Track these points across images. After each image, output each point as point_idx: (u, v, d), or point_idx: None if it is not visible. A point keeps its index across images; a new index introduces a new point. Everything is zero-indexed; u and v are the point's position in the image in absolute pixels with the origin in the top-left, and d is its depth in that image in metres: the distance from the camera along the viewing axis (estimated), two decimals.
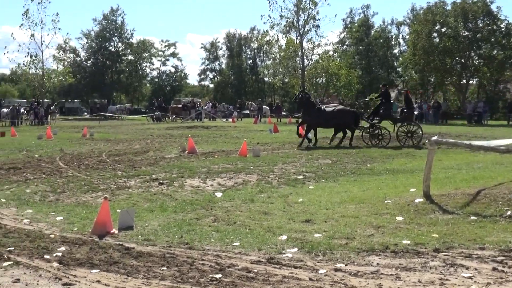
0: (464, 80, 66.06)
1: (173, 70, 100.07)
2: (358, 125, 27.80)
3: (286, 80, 69.70)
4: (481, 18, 63.39)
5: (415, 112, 58.63)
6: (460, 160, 18.52)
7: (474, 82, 66.62)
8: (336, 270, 7.81)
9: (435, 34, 65.07)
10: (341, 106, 30.42)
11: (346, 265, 8.02)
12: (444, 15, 64.61)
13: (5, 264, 8.53)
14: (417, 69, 66.87)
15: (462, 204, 11.62)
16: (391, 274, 7.60)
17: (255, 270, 7.88)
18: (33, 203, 13.48)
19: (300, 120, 30.72)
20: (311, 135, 27.62)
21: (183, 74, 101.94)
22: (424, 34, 64.63)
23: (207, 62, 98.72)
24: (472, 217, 10.65)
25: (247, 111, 69.37)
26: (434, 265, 7.96)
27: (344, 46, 77.23)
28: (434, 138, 14.22)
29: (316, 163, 19.92)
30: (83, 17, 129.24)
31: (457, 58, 64.67)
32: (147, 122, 61.26)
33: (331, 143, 27.41)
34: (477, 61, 64.59)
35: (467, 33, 63.70)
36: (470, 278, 7.38)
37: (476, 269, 7.71)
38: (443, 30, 64.79)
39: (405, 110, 29.37)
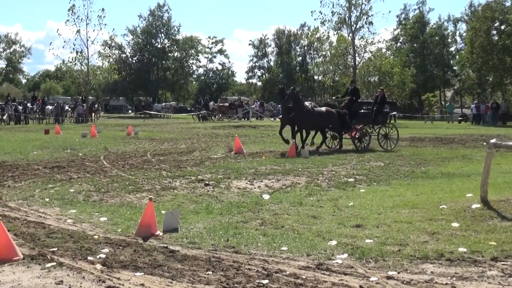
0: None
1: (220, 67, 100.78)
2: (346, 128, 26.77)
3: (336, 78, 69.46)
4: None
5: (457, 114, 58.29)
6: None
7: None
8: (388, 278, 7.75)
9: (494, 32, 64.23)
10: (329, 108, 28.12)
11: (398, 273, 7.94)
12: (503, 11, 63.85)
13: (48, 265, 8.64)
14: (475, 68, 66.12)
15: None
16: (446, 284, 7.50)
17: (304, 277, 7.85)
18: (77, 203, 13.66)
19: (280, 120, 28.86)
20: (286, 136, 26.13)
21: (230, 72, 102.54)
22: (482, 32, 63.86)
23: (255, 59, 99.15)
24: None
25: None
26: (492, 274, 7.84)
27: (398, 44, 76.62)
28: (493, 140, 13.97)
29: (368, 166, 19.79)
30: (129, 13, 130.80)
31: None
32: (193, 121, 61.58)
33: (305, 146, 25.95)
34: None
35: None
36: None
37: None
38: (502, 27, 63.98)
39: (385, 111, 28.43)
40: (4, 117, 56.40)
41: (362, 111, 27.50)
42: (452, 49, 77.62)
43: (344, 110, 26.74)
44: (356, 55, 58.17)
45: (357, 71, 58.03)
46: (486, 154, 13.42)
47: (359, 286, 7.46)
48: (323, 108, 27.11)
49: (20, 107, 59.77)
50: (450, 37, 78.72)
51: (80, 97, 69.69)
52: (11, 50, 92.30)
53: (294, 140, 24.81)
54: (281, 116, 27.54)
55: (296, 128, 25.94)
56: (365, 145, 26.48)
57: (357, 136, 26.30)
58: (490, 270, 8.03)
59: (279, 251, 9.15)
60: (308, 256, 8.86)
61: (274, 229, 10.58)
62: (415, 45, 76.41)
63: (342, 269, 8.17)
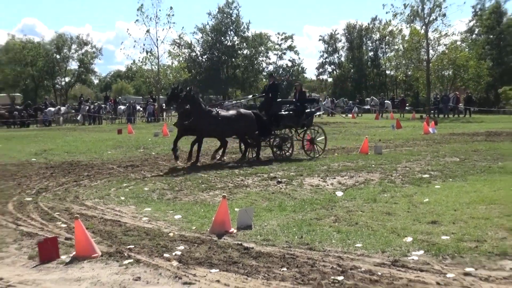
0: None
1: (290, 64, 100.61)
2: (267, 134, 22.40)
3: (409, 73, 68.50)
4: None
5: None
6: None
7: None
8: (466, 274, 7.70)
9: None
10: (243, 110, 23.49)
11: (476, 269, 7.89)
12: None
13: (126, 262, 8.87)
14: None
15: None
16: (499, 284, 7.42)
17: (379, 273, 7.87)
18: (151, 201, 13.93)
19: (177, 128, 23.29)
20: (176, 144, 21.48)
21: (300, 68, 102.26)
22: None
23: (325, 55, 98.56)
24: None
25: (367, 106, 68.87)
26: None
27: (474, 36, 75.10)
28: None
29: (443, 161, 19.57)
30: (198, 11, 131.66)
31: None
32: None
33: (214, 159, 21.95)
34: None
35: None
36: None
37: None
38: None
39: (309, 111, 23.64)
40: (79, 118, 57.63)
41: (283, 112, 22.62)
42: None
43: (262, 112, 22.47)
44: (430, 48, 57.27)
45: (430, 65, 57.14)
46: None
47: (436, 282, 7.44)
48: (233, 111, 22.13)
49: (93, 107, 60.97)
50: None
51: (151, 97, 70.43)
52: (83, 51, 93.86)
53: (191, 149, 21.35)
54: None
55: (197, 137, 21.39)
56: (287, 152, 22.55)
57: (275, 143, 22.38)
58: None
59: (353, 247, 9.18)
60: (383, 252, 8.87)
61: (348, 226, 10.61)
62: (491, 36, 74.69)
63: (418, 265, 8.16)
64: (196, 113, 20.54)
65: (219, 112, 21.40)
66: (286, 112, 22.50)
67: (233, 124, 21.08)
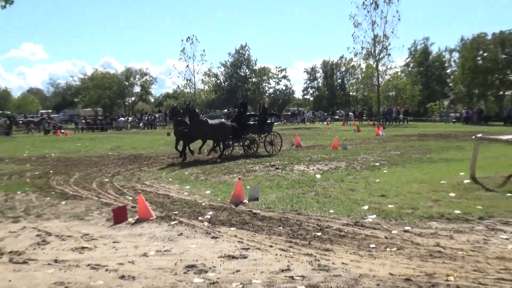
0: (501, 92, 63.24)
1: (284, 87, 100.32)
2: (239, 138, 21.22)
3: (365, 94, 68.44)
4: None
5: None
6: (498, 152, 17.66)
7: (510, 93, 63.42)
8: (405, 231, 7.72)
9: (479, 58, 62.38)
10: (224, 120, 22.27)
11: (412, 228, 7.91)
12: (485, 43, 62.17)
13: (172, 223, 8.88)
14: (465, 84, 64.67)
15: (500, 184, 11.20)
16: (446, 235, 7.43)
17: (345, 230, 7.88)
18: (190, 181, 13.92)
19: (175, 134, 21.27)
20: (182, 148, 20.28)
21: (291, 91, 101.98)
22: (470, 58, 62.55)
23: (308, 82, 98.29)
24: (508, 194, 10.21)
25: (337, 116, 68.90)
26: (479, 229, 7.72)
27: (409, 68, 74.79)
28: (479, 135, 13.69)
29: (389, 154, 19.50)
30: (222, 52, 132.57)
31: (496, 76, 61.82)
32: None
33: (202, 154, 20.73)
34: None
35: (504, 56, 60.99)
36: (507, 239, 7.11)
37: (511, 232, 7.38)
38: (485, 54, 62.10)
39: (269, 121, 22.20)
40: (140, 125, 57.94)
41: (251, 122, 21.51)
42: (448, 71, 75.28)
43: (233, 123, 20.91)
44: (379, 77, 57.15)
45: (380, 88, 57.06)
46: (474, 144, 13.15)
47: (384, 236, 7.43)
48: (217, 121, 21.15)
49: (150, 118, 61.28)
50: (447, 62, 76.39)
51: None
52: (143, 79, 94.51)
53: (190, 150, 20.12)
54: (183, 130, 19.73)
55: (189, 140, 20.25)
56: (254, 150, 21.43)
57: (245, 144, 21.29)
58: (478, 225, 7.90)
59: (328, 213, 9.17)
60: (348, 216, 8.85)
61: (324, 198, 10.58)
62: (421, 69, 74.49)
63: (372, 225, 8.16)
64: (194, 122, 19.38)
65: (208, 121, 20.30)
66: (253, 122, 21.51)
67: (217, 131, 19.93)
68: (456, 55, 73.16)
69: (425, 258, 6.35)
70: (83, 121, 56.57)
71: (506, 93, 63.86)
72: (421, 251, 6.67)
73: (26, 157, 22.61)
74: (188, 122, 19.54)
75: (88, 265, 6.57)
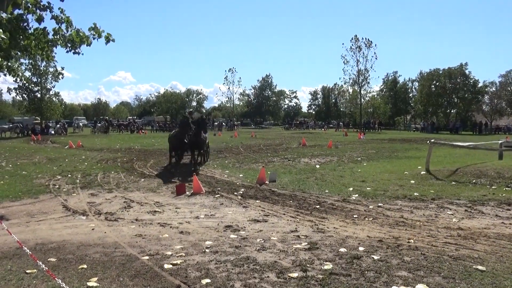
0: (448, 110, 61.89)
1: (294, 104, 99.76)
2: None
3: (352, 109, 67.42)
4: (459, 77, 59.35)
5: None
6: (446, 152, 17.19)
7: (454, 111, 61.97)
8: (378, 206, 7.56)
9: (433, 86, 61.16)
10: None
11: (383, 204, 7.74)
12: (437, 75, 61.16)
13: (217, 196, 8.87)
14: (422, 104, 63.32)
15: (448, 175, 10.88)
16: (408, 210, 7.24)
17: (336, 204, 7.74)
18: (228, 168, 13.86)
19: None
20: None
21: (299, 107, 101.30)
22: (426, 86, 61.41)
23: (311, 101, 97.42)
24: (453, 182, 9.92)
25: (331, 125, 68.15)
26: (431, 206, 7.51)
27: (383, 92, 73.35)
28: (432, 140, 13.37)
29: (367, 152, 19.15)
30: (252, 79, 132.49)
31: (444, 99, 60.55)
32: (283, 129, 61.37)
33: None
34: (456, 100, 60.16)
35: (450, 85, 59.73)
36: (452, 214, 6.89)
37: (455, 210, 7.19)
38: (437, 83, 60.91)
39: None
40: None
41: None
42: (411, 95, 73.75)
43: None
44: (362, 98, 56.35)
45: (361, 106, 56.24)
46: (428, 146, 12.82)
47: (364, 210, 7.28)
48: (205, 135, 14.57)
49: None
50: (410, 89, 74.88)
51: (229, 119, 71.34)
52: (198, 97, 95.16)
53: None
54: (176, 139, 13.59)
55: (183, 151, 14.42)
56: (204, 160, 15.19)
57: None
58: (431, 204, 7.69)
59: (324, 192, 9.04)
60: (338, 195, 8.71)
61: (322, 181, 10.45)
62: (391, 93, 72.99)
63: (355, 202, 8.00)
64: (199, 134, 13.50)
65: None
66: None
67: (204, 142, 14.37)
68: (416, 84, 71.68)
69: (393, 226, 6.21)
70: (157, 124, 57.13)
71: (452, 111, 62.48)
72: (390, 220, 6.52)
73: (118, 148, 22.92)
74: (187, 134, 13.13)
75: (158, 223, 6.60)
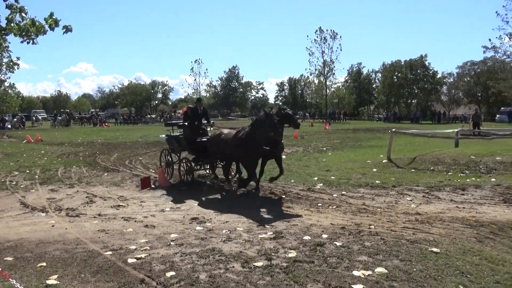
0: (409, 100, 64.04)
1: (261, 96, 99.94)
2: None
3: (317, 100, 68.34)
4: (420, 68, 61.45)
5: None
6: (406, 141, 17.81)
7: (415, 101, 64.16)
8: (342, 195, 7.73)
9: (395, 77, 63.03)
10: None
11: (347, 192, 7.92)
12: (399, 66, 63.04)
13: (183, 188, 8.74)
14: (384, 95, 65.10)
15: (407, 163, 11.27)
16: (370, 197, 7.46)
17: (301, 194, 7.87)
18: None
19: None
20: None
21: (266, 98, 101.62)
22: (388, 77, 63.24)
23: (278, 92, 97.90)
24: (413, 170, 10.30)
25: (298, 116, 68.85)
26: (392, 193, 7.78)
27: (347, 83, 74.79)
28: (393, 130, 13.79)
29: (332, 142, 19.57)
30: (219, 69, 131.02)
31: (406, 89, 62.59)
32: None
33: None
34: (417, 91, 62.32)
35: (411, 76, 61.77)
36: (411, 200, 7.17)
37: (414, 196, 7.48)
38: (399, 74, 62.79)
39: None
40: (161, 120, 57.34)
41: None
42: (374, 86, 75.65)
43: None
44: (327, 89, 57.29)
45: (327, 97, 57.20)
46: (390, 135, 13.24)
47: (328, 198, 7.44)
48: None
49: (168, 115, 60.75)
50: (373, 80, 76.78)
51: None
52: (164, 88, 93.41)
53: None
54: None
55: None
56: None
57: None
58: (391, 191, 7.95)
59: (290, 182, 9.15)
60: (303, 184, 8.85)
61: (288, 172, 10.49)
62: (355, 84, 74.62)
63: (320, 190, 8.15)
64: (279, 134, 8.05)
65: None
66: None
67: None
68: (379, 75, 73.51)
69: (355, 213, 6.40)
70: (121, 117, 55.73)
71: (413, 101, 64.64)
72: (352, 208, 6.71)
73: (80, 142, 22.21)
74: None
75: (122, 217, 6.48)
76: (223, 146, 8.37)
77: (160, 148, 17.81)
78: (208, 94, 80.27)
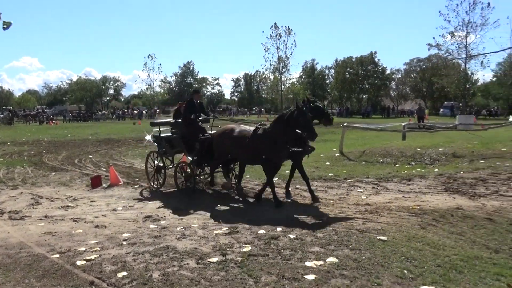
0: (361, 96, 66.34)
1: (217, 91, 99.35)
2: None
3: (273, 96, 69.17)
4: (370, 64, 63.75)
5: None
6: (358, 135, 18.47)
7: (366, 97, 66.56)
8: (296, 188, 7.86)
9: (347, 73, 65.01)
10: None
11: (301, 186, 8.01)
12: (351, 63, 65.08)
13: (136, 186, 8.56)
14: (337, 90, 67.05)
15: (358, 156, 11.66)
16: (323, 190, 7.63)
17: (257, 189, 7.88)
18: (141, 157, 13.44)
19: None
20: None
21: (222, 94, 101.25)
22: (341, 73, 65.15)
23: (234, 88, 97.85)
24: (363, 162, 10.68)
25: (253, 111, 69.38)
26: (344, 186, 8.01)
27: (302, 79, 76.20)
28: (345, 124, 14.21)
29: None
30: (174, 65, 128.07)
31: (357, 85, 64.77)
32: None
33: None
34: (367, 86, 64.67)
35: (362, 72, 63.95)
36: (361, 191, 7.43)
37: (364, 188, 7.75)
38: (351, 70, 64.80)
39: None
40: (114, 116, 55.43)
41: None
42: (328, 81, 77.57)
43: None
44: (282, 85, 58.08)
45: (282, 92, 58.01)
46: (342, 129, 13.64)
47: (282, 192, 7.48)
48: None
49: (121, 111, 58.74)
50: (326, 75, 78.67)
51: (150, 107, 69.08)
52: (116, 84, 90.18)
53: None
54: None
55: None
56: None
57: None
58: (343, 183, 8.21)
59: (245, 177, 9.09)
60: (259, 179, 8.89)
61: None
62: (310, 79, 76.21)
63: (275, 185, 8.20)
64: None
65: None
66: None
67: None
68: (332, 71, 75.51)
69: (309, 206, 6.53)
70: (70, 114, 53.25)
71: (364, 96, 67.04)
72: (306, 201, 6.86)
73: (24, 141, 20.97)
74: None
75: (71, 218, 6.20)
76: (237, 146, 6.96)
77: (112, 145, 17.20)
78: (162, 90, 78.47)
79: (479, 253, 4.14)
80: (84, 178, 9.77)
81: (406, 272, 3.73)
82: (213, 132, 8.08)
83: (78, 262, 4.25)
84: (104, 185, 8.79)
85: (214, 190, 7.98)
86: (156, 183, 8.35)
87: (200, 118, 8.16)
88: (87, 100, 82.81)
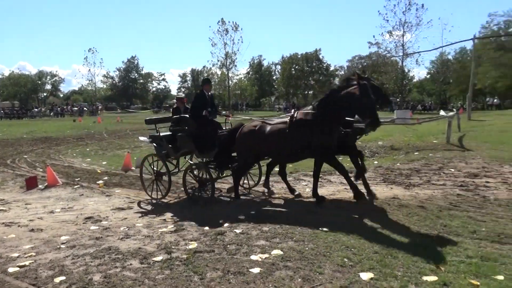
0: (306, 92, 68.06)
1: (163, 87, 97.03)
2: None
3: (220, 92, 68.86)
4: (315, 61, 65.55)
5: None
6: None
7: (311, 93, 68.41)
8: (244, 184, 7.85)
9: (293, 69, 66.38)
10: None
11: (248, 181, 8.05)
12: (296, 59, 66.56)
13: (76, 186, 8.22)
14: (284, 86, 68.26)
15: None
16: (269, 185, 7.68)
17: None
18: (90, 155, 12.92)
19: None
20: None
21: (169, 89, 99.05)
22: (287, 69, 66.39)
23: (181, 83, 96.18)
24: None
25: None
26: (289, 180, 8.10)
27: (249, 75, 76.61)
28: None
29: None
30: (117, 60, 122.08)
31: (303, 81, 66.40)
32: (153, 113, 59.26)
33: None
34: (312, 82, 66.50)
35: (307, 68, 65.63)
36: (306, 185, 7.63)
37: (309, 181, 7.96)
38: (296, 67, 66.25)
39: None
40: (51, 114, 52.24)
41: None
42: (274, 77, 78.61)
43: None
44: (230, 81, 58.03)
45: (230, 88, 57.96)
46: None
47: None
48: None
49: (60, 108, 55.51)
50: (273, 72, 79.72)
51: (91, 103, 66.02)
52: (54, 79, 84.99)
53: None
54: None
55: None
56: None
57: None
58: (289, 177, 8.26)
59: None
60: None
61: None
62: (257, 75, 76.78)
63: (223, 181, 8.13)
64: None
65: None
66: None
67: None
68: (279, 67, 76.71)
69: (256, 201, 6.60)
70: (2, 111, 49.40)
71: (309, 92, 68.91)
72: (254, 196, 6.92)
73: None
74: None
75: (3, 223, 5.79)
76: (273, 144, 5.94)
77: (49, 143, 16.26)
78: (105, 86, 75.24)
79: (412, 238, 4.44)
80: (18, 179, 9.16)
81: (346, 260, 3.90)
82: (227, 128, 7.07)
83: (11, 269, 3.99)
84: (40, 186, 8.30)
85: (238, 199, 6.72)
86: (156, 193, 6.96)
87: (210, 117, 6.84)
88: (21, 96, 77.42)
